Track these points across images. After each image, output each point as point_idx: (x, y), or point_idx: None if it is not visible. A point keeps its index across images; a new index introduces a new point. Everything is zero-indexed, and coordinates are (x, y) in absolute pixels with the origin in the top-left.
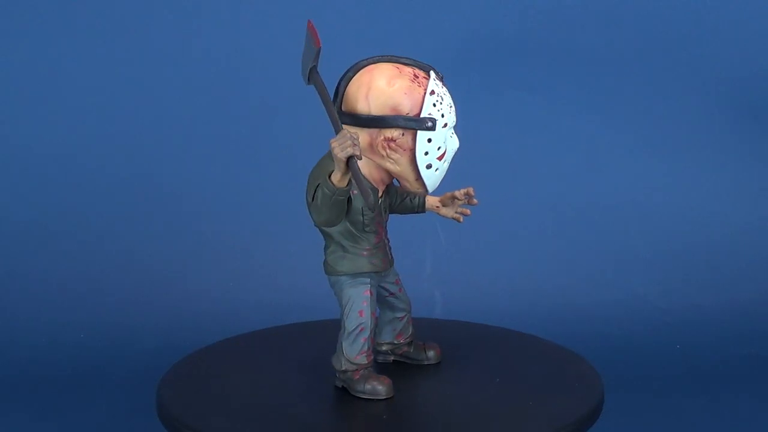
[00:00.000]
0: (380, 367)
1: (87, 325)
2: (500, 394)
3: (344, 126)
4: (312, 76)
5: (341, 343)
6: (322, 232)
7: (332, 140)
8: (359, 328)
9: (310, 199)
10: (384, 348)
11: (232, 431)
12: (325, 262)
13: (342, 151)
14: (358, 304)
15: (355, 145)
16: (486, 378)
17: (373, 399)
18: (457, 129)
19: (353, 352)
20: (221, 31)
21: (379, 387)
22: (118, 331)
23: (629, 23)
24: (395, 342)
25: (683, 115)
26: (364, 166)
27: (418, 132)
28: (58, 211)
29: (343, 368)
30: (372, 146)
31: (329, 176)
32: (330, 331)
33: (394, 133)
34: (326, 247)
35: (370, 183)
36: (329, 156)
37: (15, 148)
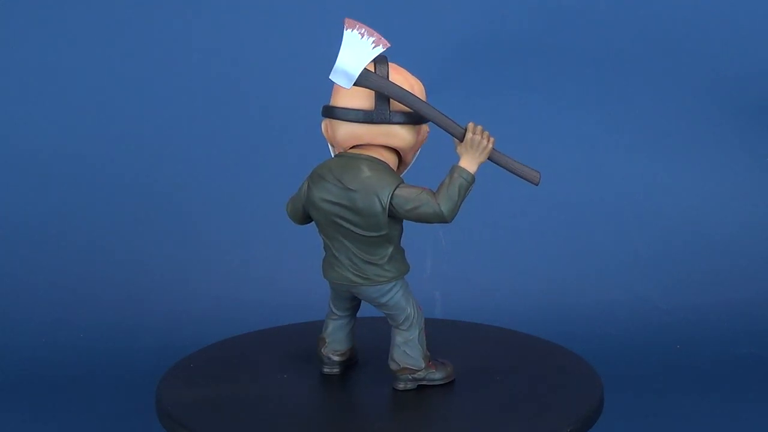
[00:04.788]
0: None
1: (87, 325)
2: (499, 394)
3: (386, 125)
4: (369, 77)
5: (417, 344)
6: (381, 239)
7: (473, 134)
8: (423, 323)
9: (444, 205)
10: (348, 356)
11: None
12: (381, 270)
13: (489, 141)
14: (416, 302)
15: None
16: (485, 378)
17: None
18: None
19: (424, 346)
20: (223, 33)
21: (449, 368)
22: (118, 331)
23: (629, 23)
24: (351, 346)
25: (683, 115)
26: (392, 162)
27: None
28: (57, 211)
29: (424, 365)
30: (417, 142)
31: (460, 166)
32: None
33: (426, 127)
34: (381, 255)
35: None
36: (371, 162)
37: (15, 149)
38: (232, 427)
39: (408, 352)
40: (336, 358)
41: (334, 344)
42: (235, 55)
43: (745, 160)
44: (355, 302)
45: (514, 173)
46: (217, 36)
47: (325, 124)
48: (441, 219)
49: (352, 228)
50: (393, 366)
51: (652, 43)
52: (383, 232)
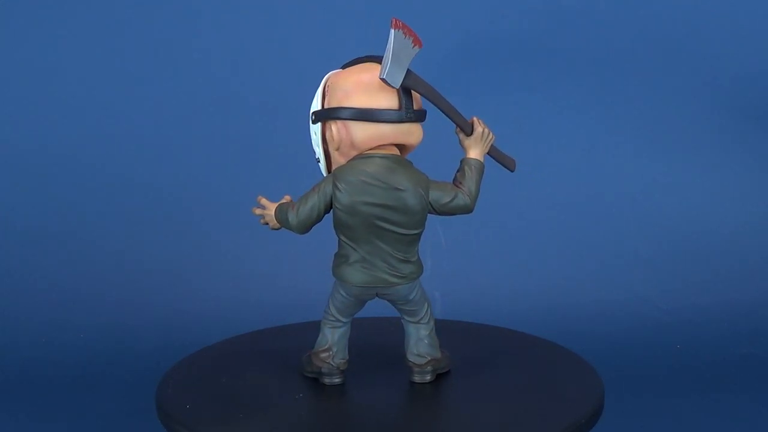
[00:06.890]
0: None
1: (87, 325)
2: (500, 394)
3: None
4: (411, 75)
5: (435, 336)
6: (418, 236)
7: (481, 127)
8: None
9: (472, 195)
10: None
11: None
12: (414, 267)
13: (491, 133)
14: None
15: None
16: (485, 378)
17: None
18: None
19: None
20: (223, 33)
21: (448, 355)
22: (118, 331)
23: (629, 23)
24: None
25: (683, 115)
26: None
27: None
28: (58, 211)
29: (441, 355)
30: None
31: (474, 158)
32: None
33: None
34: (413, 252)
35: None
36: (400, 161)
37: (15, 149)
38: (232, 428)
39: (431, 344)
40: (342, 368)
41: (341, 353)
42: (235, 55)
43: (745, 160)
44: (361, 307)
45: (496, 160)
46: (217, 36)
47: (338, 127)
48: (468, 210)
49: (394, 228)
50: (418, 360)
51: (652, 44)
52: (421, 229)
